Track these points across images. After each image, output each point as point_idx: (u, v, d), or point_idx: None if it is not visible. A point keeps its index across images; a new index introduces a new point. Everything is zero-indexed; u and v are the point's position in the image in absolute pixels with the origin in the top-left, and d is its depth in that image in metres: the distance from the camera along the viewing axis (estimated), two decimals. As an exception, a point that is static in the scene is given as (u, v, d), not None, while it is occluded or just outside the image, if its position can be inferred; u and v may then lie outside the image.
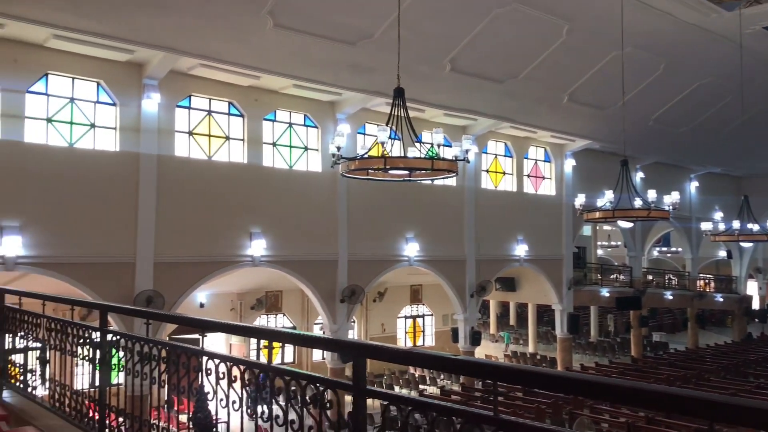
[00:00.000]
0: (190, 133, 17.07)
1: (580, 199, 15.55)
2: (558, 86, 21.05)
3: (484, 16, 16.64)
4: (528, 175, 25.65)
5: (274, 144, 18.59)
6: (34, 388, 5.65)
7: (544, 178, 26.29)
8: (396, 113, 9.75)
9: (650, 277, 36.57)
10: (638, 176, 27.77)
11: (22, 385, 5.95)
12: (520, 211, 24.61)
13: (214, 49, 15.48)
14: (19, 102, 14.34)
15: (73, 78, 15.20)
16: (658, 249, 49.21)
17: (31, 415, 5.17)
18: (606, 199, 14.83)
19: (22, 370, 6.17)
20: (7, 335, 6.30)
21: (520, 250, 24.38)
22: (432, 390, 23.38)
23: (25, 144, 14.34)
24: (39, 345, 5.89)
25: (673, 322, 41.63)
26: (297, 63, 16.74)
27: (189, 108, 17.10)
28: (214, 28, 14.77)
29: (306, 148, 19.28)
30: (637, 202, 14.65)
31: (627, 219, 17.71)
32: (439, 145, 9.43)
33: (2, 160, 13.92)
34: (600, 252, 45.43)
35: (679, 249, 41.64)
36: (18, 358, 6.42)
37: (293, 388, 3.11)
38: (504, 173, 24.80)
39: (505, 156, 24.92)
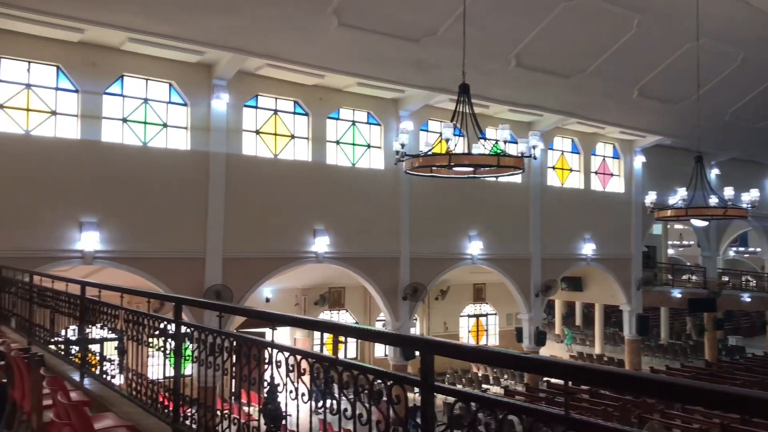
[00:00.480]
0: (257, 132, 17.45)
1: (650, 197, 15.05)
2: (627, 80, 20.41)
3: (550, 10, 16.30)
4: (596, 172, 24.99)
5: (337, 142, 18.79)
6: (113, 376, 5.91)
7: (612, 175, 25.55)
8: (461, 110, 9.68)
9: (726, 279, 35.00)
10: (713, 173, 26.60)
11: (100, 373, 6.22)
12: (588, 209, 24.00)
13: (281, 49, 15.77)
14: (96, 103, 15.00)
15: (147, 79, 15.78)
16: (734, 249, 47.06)
17: (110, 402, 5.41)
18: (678, 196, 14.29)
19: (99, 359, 6.46)
20: (87, 325, 6.62)
21: (587, 249, 23.79)
22: (495, 389, 23.13)
23: (103, 143, 15.00)
24: (115, 335, 6.15)
25: (751, 325, 39.71)
26: (361, 61, 16.86)
27: (256, 107, 17.48)
28: (280, 28, 15.04)
29: (369, 146, 19.40)
30: (713, 200, 14.06)
31: (701, 218, 17.02)
32: (504, 142, 9.31)
33: (82, 159, 14.61)
34: (671, 252, 43.83)
35: (758, 249, 39.70)
36: (96, 348, 6.73)
37: (358, 382, 3.13)
38: (571, 170, 24.25)
39: (572, 152, 24.36)
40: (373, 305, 23.58)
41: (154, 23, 14.14)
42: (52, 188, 14.18)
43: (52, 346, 7.77)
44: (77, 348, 7.02)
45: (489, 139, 10.31)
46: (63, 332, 7.74)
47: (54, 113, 14.58)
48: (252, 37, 15.16)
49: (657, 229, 35.10)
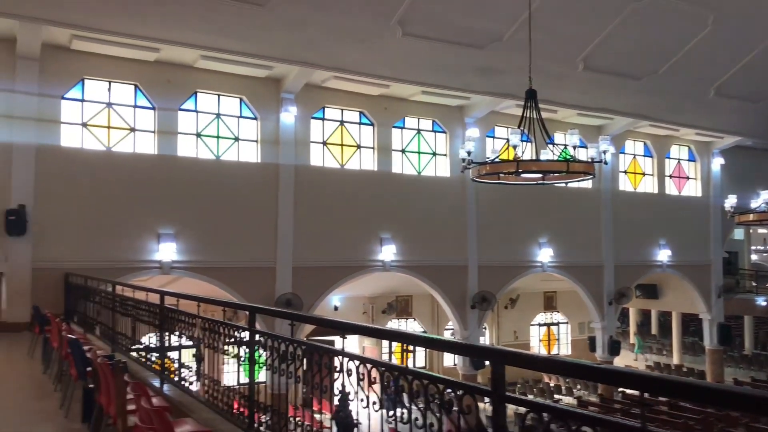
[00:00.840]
0: (324, 144, 17.75)
1: (730, 201, 14.40)
2: (703, 80, 19.64)
3: (619, 12, 15.91)
4: (670, 176, 24.09)
5: (403, 151, 18.87)
6: (190, 383, 6.12)
7: (688, 178, 24.57)
8: (528, 115, 9.56)
9: (815, 285, 32.92)
10: (799, 174, 25.16)
11: (178, 380, 6.46)
12: (662, 213, 23.15)
13: (346, 61, 16.02)
14: (172, 119, 15.64)
15: (219, 95, 16.34)
16: (824, 254, 44.23)
17: (189, 408, 5.60)
18: (761, 200, 13.61)
19: (177, 366, 6.70)
20: (166, 333, 6.88)
21: (663, 255, 22.93)
22: (568, 400, 22.54)
23: (178, 158, 15.61)
24: (192, 343, 6.37)
25: None
26: (426, 70, 16.91)
27: (323, 119, 17.79)
28: (345, 40, 15.29)
29: (434, 154, 19.39)
30: (800, 203, 13.32)
31: (787, 221, 16.12)
32: (574, 147, 9.12)
33: (159, 173, 15.24)
34: (755, 257, 41.60)
35: None
36: (173, 355, 6.98)
37: (420, 391, 3.14)
38: (644, 174, 23.47)
39: (644, 156, 23.58)
40: (441, 314, 23.45)
41: (225, 41, 14.65)
42: (132, 201, 14.85)
43: (134, 353, 8.11)
44: (156, 355, 7.31)
45: (557, 144, 10.14)
46: (143, 340, 8.08)
47: (133, 130, 15.29)
48: (318, 51, 15.46)
49: (739, 233, 33.43)
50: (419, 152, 19.17)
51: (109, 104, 15.08)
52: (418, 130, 19.21)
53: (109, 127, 15.06)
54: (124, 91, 15.26)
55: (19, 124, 13.76)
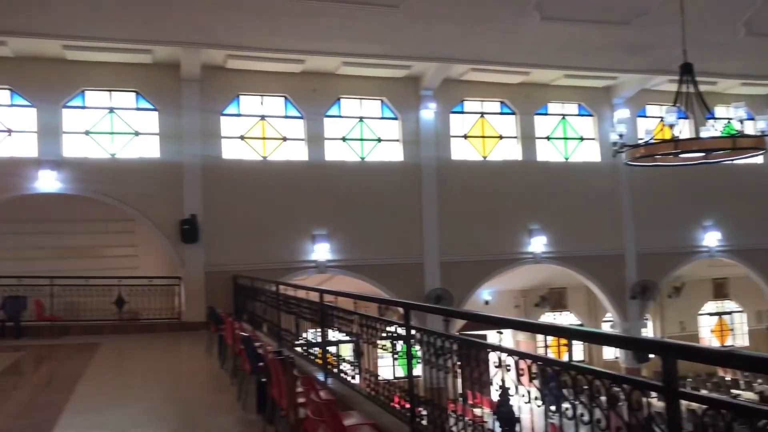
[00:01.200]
0: (465, 137, 17.69)
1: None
2: None
3: (786, -37, 14.29)
4: None
5: (548, 138, 18.32)
6: (353, 377, 6.39)
7: None
8: (684, 90, 8.89)
9: None
10: None
11: (338, 373, 6.77)
12: None
13: (484, 52, 15.84)
14: (319, 126, 16.38)
15: (361, 99, 16.85)
16: None
17: (351, 401, 5.85)
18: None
19: (337, 360, 7.03)
20: (326, 329, 7.24)
21: None
22: (748, 395, 20.68)
23: (326, 162, 16.33)
24: (349, 338, 6.65)
25: None
26: (568, 53, 16.27)
27: (462, 112, 17.74)
28: (482, 31, 15.10)
29: (581, 139, 18.62)
30: None
31: None
32: (740, 121, 8.35)
33: (310, 177, 16.05)
34: None
35: None
36: (332, 349, 7.33)
37: (583, 386, 3.03)
38: (826, 144, 20.92)
39: (826, 123, 21.00)
40: (598, 305, 22.46)
41: (365, 45, 15.10)
42: (287, 206, 15.76)
43: (298, 348, 8.62)
44: (317, 350, 7.72)
45: (720, 119, 9.33)
46: (304, 335, 8.57)
47: (284, 139, 16.22)
48: (456, 45, 15.43)
49: None
50: (565, 138, 18.50)
51: (263, 117, 16.11)
52: (563, 116, 18.54)
53: (264, 138, 16.09)
54: (275, 103, 16.23)
55: (187, 142, 15.12)
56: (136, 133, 15.17)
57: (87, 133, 14.89)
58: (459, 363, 4.39)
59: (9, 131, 14.51)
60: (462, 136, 17.66)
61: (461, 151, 17.63)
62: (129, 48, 14.28)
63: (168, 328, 14.43)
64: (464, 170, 17.39)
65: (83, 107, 14.94)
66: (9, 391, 8.00)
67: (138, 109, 15.24)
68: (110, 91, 15.12)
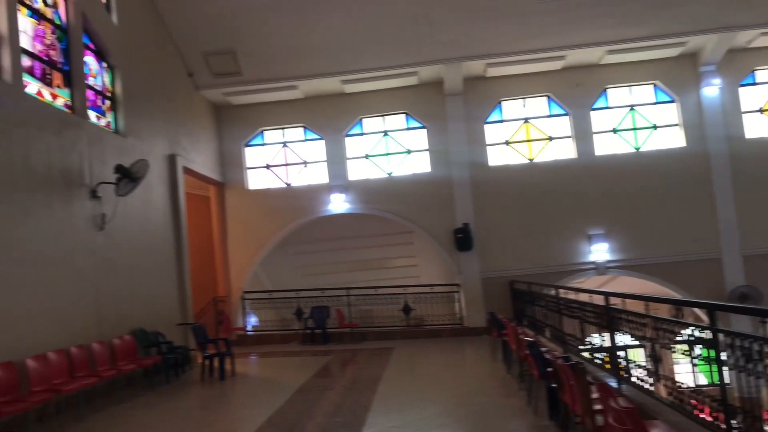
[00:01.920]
0: (761, 111, 15.45)
1: None
2: None
3: None
4: None
5: None
6: (650, 384, 5.92)
7: None
8: None
9: None
10: None
11: (632, 379, 6.31)
12: None
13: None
14: (585, 120, 15.71)
15: (630, 86, 15.76)
16: None
17: (652, 410, 5.41)
18: None
19: (627, 366, 6.57)
20: (614, 333, 6.84)
21: None
22: None
23: (596, 157, 15.57)
24: (639, 343, 6.17)
25: None
26: None
27: (754, 83, 15.53)
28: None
29: None
30: None
31: None
32: None
33: (580, 175, 15.44)
34: None
35: None
36: (620, 354, 6.88)
37: None
38: None
39: None
40: None
41: (630, 30, 14.15)
42: (557, 207, 15.37)
43: (585, 354, 8.28)
44: (602, 354, 7.32)
45: None
46: (588, 340, 8.20)
47: (550, 139, 15.88)
48: (739, 10, 13.63)
49: None
50: None
51: (526, 119, 15.99)
52: None
53: (528, 141, 15.95)
54: (538, 103, 16.01)
55: (454, 154, 15.67)
56: (408, 152, 16.18)
57: (366, 156, 16.32)
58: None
59: (305, 163, 16.56)
60: (758, 111, 15.46)
61: (757, 128, 15.42)
62: (397, 73, 15.33)
63: (451, 333, 15.06)
64: (766, 149, 15.18)
65: (362, 134, 16.41)
66: (323, 391, 9.05)
67: (408, 129, 16.26)
68: (383, 116, 16.38)
